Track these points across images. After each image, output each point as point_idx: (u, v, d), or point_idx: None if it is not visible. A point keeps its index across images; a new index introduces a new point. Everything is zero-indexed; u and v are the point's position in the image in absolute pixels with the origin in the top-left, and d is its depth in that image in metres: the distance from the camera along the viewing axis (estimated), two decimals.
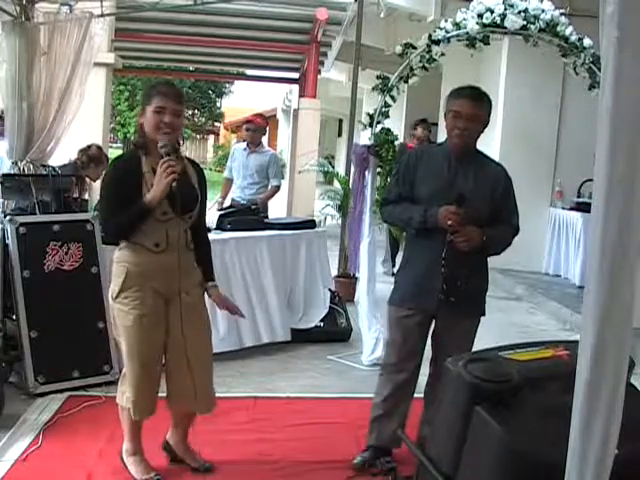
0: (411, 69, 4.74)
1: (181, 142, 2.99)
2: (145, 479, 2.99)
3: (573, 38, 4.70)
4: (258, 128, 6.37)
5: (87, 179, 5.31)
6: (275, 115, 21.80)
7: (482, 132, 3.06)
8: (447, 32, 4.68)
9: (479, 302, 3.14)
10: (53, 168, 4.75)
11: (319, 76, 11.81)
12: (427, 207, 3.00)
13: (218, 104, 32.33)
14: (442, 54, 4.74)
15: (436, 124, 9.95)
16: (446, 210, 2.90)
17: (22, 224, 3.94)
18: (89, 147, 5.46)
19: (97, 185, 7.61)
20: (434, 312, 3.09)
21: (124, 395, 2.95)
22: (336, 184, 9.98)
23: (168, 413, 3.11)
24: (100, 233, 2.70)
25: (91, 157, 5.36)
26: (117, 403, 3.02)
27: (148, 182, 2.81)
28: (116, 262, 2.90)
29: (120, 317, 2.87)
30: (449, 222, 2.88)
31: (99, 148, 5.55)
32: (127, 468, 3.04)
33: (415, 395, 3.25)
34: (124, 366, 2.96)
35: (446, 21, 4.75)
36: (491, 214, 3.03)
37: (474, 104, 3.00)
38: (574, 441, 1.57)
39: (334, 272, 6.31)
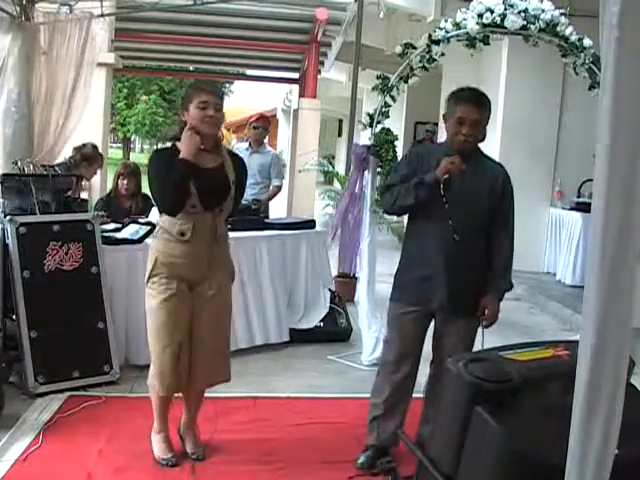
0: (411, 69, 4.74)
1: (221, 136, 3.19)
2: (162, 458, 3.14)
3: (573, 38, 4.70)
4: (266, 127, 6.45)
5: (83, 178, 5.28)
6: (275, 115, 21.79)
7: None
8: (447, 32, 4.67)
9: (479, 302, 3.14)
10: (53, 168, 4.74)
11: (319, 76, 11.79)
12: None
13: None
14: (442, 54, 4.73)
15: (436, 124, 9.97)
16: (445, 161, 2.94)
17: (22, 224, 3.94)
18: (84, 145, 5.42)
19: (96, 185, 7.64)
20: (434, 309, 3.09)
21: (150, 375, 3.15)
22: (336, 184, 9.99)
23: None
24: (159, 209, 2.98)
25: (84, 156, 5.32)
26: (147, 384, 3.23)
27: None
28: (150, 251, 3.12)
29: (148, 300, 3.09)
30: (451, 165, 2.92)
31: (94, 147, 5.51)
32: (152, 446, 3.21)
33: (415, 395, 3.25)
34: (149, 347, 3.14)
35: (446, 21, 4.75)
36: (490, 212, 3.04)
37: (478, 110, 2.99)
38: (574, 441, 1.57)
39: (334, 272, 6.31)
